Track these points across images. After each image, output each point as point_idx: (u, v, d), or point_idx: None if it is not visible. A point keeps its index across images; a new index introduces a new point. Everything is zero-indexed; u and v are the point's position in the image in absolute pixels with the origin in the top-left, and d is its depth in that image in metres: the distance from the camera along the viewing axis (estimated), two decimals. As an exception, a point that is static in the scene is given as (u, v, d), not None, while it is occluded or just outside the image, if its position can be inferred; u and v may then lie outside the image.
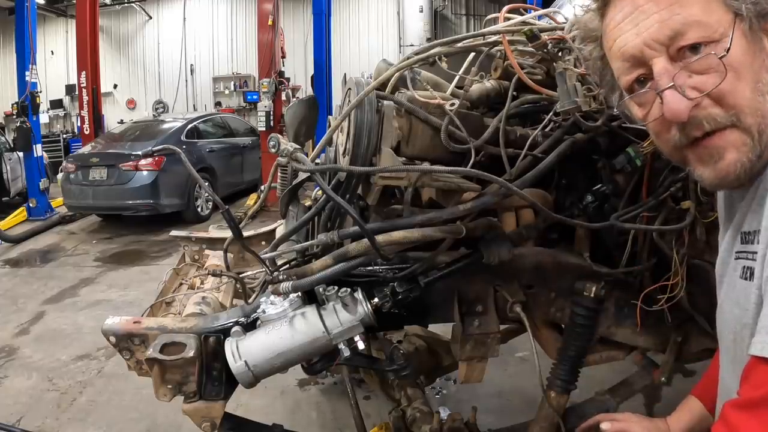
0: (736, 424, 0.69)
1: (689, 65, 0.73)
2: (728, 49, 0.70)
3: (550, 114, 1.41)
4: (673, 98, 0.73)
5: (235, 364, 1.27)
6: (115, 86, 15.03)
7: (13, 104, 8.20)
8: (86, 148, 8.17)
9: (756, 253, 0.73)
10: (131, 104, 15.39)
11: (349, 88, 1.35)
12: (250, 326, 1.36)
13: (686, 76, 0.73)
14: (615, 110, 1.04)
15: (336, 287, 1.32)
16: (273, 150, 1.26)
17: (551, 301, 1.59)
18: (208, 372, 1.36)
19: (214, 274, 1.84)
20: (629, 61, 0.78)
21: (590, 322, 1.53)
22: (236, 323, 1.36)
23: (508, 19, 1.43)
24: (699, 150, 0.76)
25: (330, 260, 1.31)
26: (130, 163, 7.35)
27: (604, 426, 1.23)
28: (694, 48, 0.72)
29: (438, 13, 14.17)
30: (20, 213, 8.13)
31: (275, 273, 1.38)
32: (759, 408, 0.68)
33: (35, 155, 8.14)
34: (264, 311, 1.33)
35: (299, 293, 1.34)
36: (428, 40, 11.56)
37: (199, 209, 8.04)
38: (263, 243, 2.23)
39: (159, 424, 2.82)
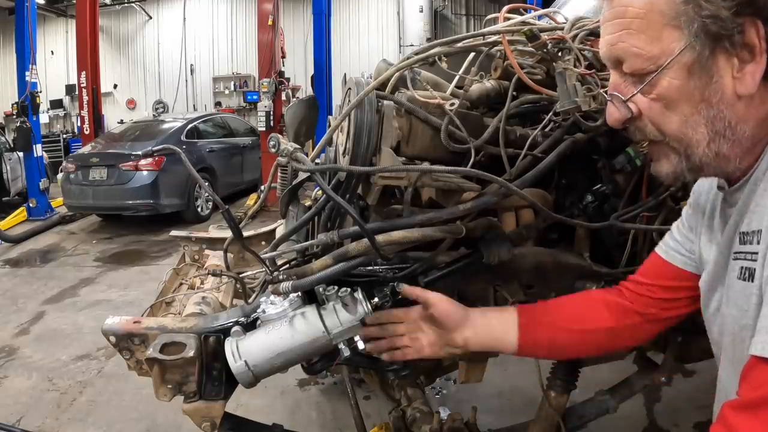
0: (736, 425, 0.69)
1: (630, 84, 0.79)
2: (656, 83, 0.75)
3: (550, 114, 1.41)
4: (610, 108, 0.82)
5: (235, 364, 1.27)
6: (115, 86, 15.04)
7: (13, 104, 8.21)
8: (86, 148, 8.18)
9: (756, 253, 0.73)
10: (131, 104, 15.39)
11: (349, 88, 1.35)
12: (250, 326, 1.36)
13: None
14: None
15: (336, 287, 1.31)
16: (273, 150, 1.25)
17: (551, 301, 1.59)
18: (208, 372, 1.36)
19: (214, 274, 1.84)
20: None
21: (590, 322, 1.53)
22: (236, 323, 1.36)
23: (508, 19, 1.42)
24: (650, 147, 0.85)
25: (330, 260, 1.30)
26: (130, 163, 7.36)
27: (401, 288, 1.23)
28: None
29: (438, 13, 14.17)
30: (20, 213, 8.14)
31: (275, 273, 1.38)
32: (759, 408, 0.67)
33: (35, 155, 8.14)
34: (264, 311, 1.33)
35: (299, 293, 1.34)
36: (428, 40, 11.56)
37: (199, 209, 8.04)
38: (263, 243, 2.22)
39: (159, 424, 2.82)
